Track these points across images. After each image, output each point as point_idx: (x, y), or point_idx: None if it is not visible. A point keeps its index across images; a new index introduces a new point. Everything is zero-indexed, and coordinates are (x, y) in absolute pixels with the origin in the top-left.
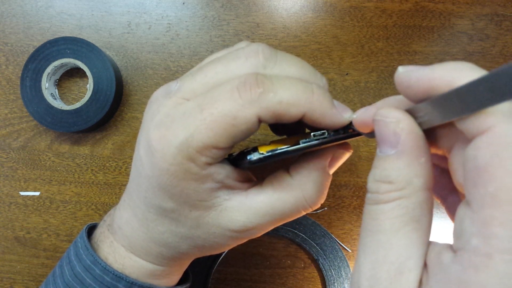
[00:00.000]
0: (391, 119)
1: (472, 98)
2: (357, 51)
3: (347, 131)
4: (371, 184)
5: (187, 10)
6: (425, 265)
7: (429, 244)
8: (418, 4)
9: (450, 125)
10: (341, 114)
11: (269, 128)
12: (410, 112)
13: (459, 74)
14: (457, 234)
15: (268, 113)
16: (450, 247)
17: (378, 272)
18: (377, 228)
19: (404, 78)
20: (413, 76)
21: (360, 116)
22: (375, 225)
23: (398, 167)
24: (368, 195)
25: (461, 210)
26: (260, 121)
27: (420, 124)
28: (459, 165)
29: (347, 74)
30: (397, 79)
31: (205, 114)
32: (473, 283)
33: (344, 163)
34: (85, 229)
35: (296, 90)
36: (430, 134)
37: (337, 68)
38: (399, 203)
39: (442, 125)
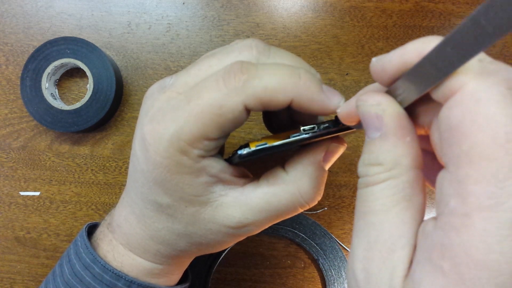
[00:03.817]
0: (371, 102)
1: (442, 61)
2: (357, 51)
3: (337, 125)
4: (361, 168)
5: (187, 10)
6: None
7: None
8: (418, 4)
9: (428, 100)
10: (330, 100)
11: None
12: (390, 93)
13: (428, 44)
14: (437, 201)
15: (254, 100)
16: (434, 218)
17: (371, 252)
18: (368, 209)
19: (377, 64)
20: (385, 59)
21: (343, 109)
22: (366, 207)
23: (385, 149)
24: (359, 180)
25: (440, 175)
26: (247, 109)
27: (400, 103)
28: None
29: (347, 74)
30: (372, 68)
31: (192, 105)
32: (454, 245)
33: (344, 163)
34: (85, 228)
35: (282, 75)
36: (411, 114)
37: (337, 68)
38: (389, 183)
39: (420, 101)
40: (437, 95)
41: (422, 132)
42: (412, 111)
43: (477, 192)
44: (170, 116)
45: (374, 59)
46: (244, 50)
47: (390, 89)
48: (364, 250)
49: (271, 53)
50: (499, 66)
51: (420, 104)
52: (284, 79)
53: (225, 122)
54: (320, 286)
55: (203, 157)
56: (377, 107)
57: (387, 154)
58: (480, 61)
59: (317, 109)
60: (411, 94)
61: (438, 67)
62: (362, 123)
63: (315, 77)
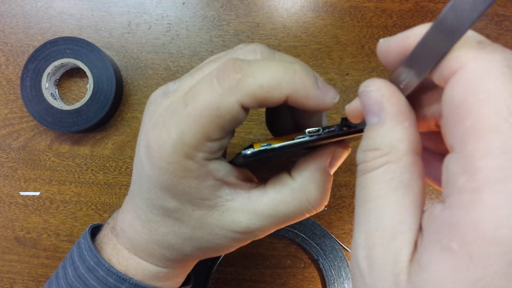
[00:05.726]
0: (371, 87)
1: (442, 37)
2: (357, 51)
3: (342, 128)
4: (359, 155)
5: (187, 10)
6: (420, 229)
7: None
8: (418, 4)
9: (435, 90)
10: (325, 95)
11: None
12: (393, 80)
13: None
14: (444, 184)
15: (250, 99)
16: (441, 201)
17: (372, 239)
18: (367, 197)
19: (384, 45)
20: (392, 40)
21: (352, 104)
22: (365, 194)
23: (382, 133)
24: (358, 168)
25: (446, 159)
26: (244, 108)
27: (404, 90)
28: None
29: (347, 74)
30: (379, 48)
31: (189, 108)
32: (463, 223)
33: (344, 163)
34: (88, 230)
35: (277, 71)
36: (422, 105)
37: (337, 68)
38: (386, 168)
39: (431, 89)
40: (437, 77)
41: (432, 124)
42: (422, 101)
43: (485, 166)
44: (170, 121)
45: (381, 40)
46: (248, 55)
47: (393, 77)
48: (366, 237)
49: (276, 58)
50: (497, 47)
51: (430, 92)
52: (278, 75)
53: (224, 122)
54: (320, 286)
55: (208, 160)
56: (377, 92)
57: (383, 138)
58: (479, 43)
59: (313, 104)
60: (412, 79)
61: (438, 44)
62: (363, 110)
63: (311, 72)
